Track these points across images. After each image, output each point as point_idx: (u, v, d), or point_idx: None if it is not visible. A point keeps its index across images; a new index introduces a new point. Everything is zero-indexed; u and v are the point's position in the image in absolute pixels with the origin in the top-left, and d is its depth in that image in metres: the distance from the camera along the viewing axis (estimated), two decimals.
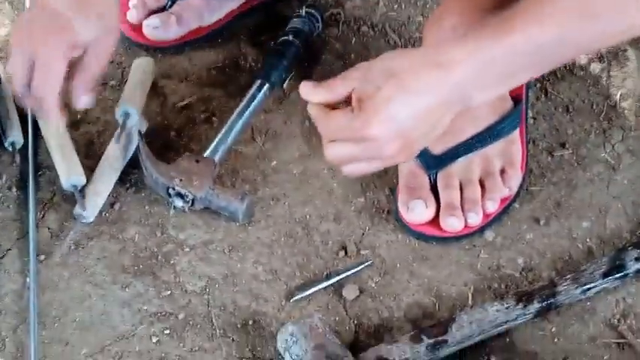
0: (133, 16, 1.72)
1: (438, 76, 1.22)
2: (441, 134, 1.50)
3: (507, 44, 1.21)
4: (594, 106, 1.65)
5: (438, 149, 1.51)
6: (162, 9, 1.73)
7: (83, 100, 1.42)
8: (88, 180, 1.52)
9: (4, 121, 1.58)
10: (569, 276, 1.42)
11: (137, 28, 1.72)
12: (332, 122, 1.26)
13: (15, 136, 1.57)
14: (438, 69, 1.22)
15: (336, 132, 1.26)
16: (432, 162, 1.51)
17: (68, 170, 1.52)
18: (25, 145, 1.57)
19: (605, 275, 1.42)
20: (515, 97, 1.57)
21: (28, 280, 1.45)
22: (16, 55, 1.39)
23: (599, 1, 1.20)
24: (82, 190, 1.51)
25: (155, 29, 1.71)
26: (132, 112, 1.56)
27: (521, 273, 1.47)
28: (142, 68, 1.65)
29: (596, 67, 1.70)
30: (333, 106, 1.27)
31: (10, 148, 1.57)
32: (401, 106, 1.22)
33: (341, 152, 1.28)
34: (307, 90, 1.29)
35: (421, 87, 1.22)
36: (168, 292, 1.45)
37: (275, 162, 1.59)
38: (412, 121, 1.23)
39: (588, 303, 1.43)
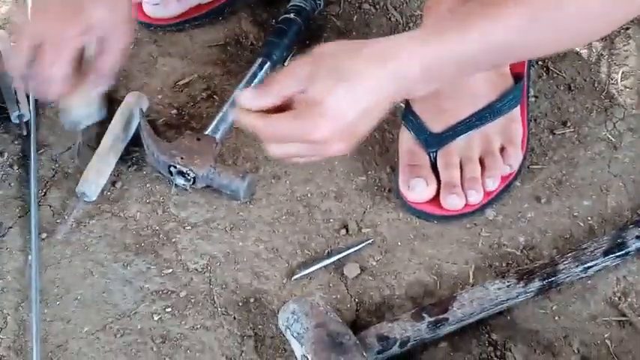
0: None
1: (387, 77, 1.20)
2: (441, 112, 1.51)
3: (460, 46, 1.19)
4: (596, 85, 1.65)
5: (438, 128, 1.51)
6: None
7: (98, 86, 1.42)
8: (90, 158, 1.53)
9: (10, 95, 1.58)
10: (570, 254, 1.42)
11: (138, 5, 1.72)
12: (279, 128, 1.22)
13: (23, 108, 1.57)
14: (386, 69, 1.19)
15: (283, 137, 1.23)
16: (432, 141, 1.51)
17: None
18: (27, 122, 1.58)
19: (606, 253, 1.42)
20: (516, 74, 1.57)
21: (29, 257, 1.45)
22: (26, 33, 1.38)
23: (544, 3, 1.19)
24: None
25: (155, 6, 1.71)
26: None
27: (522, 251, 1.47)
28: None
29: (598, 45, 1.70)
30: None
31: (17, 121, 1.57)
32: (350, 109, 1.20)
33: (287, 152, 1.26)
34: (250, 98, 1.24)
35: (370, 88, 1.20)
36: (170, 270, 1.46)
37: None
38: (360, 120, 1.22)
39: (589, 281, 1.43)
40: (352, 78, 1.19)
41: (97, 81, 1.42)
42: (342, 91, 1.18)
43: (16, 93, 1.58)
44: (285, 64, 1.67)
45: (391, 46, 1.20)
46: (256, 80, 1.61)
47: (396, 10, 1.75)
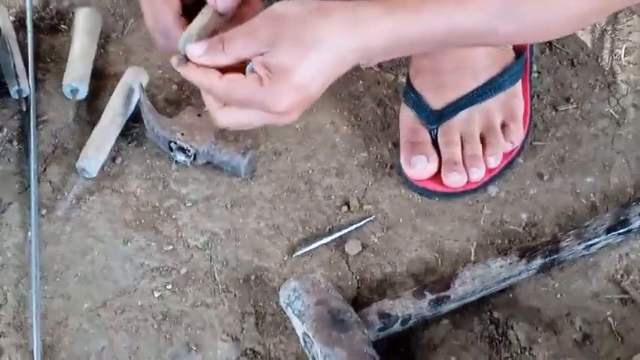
0: None
1: (352, 49, 1.14)
2: (442, 88, 1.50)
3: (427, 27, 1.14)
4: (599, 60, 1.64)
5: (438, 104, 1.50)
6: None
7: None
8: (90, 134, 1.52)
9: (9, 71, 1.57)
10: (572, 231, 1.42)
11: None
12: (237, 90, 1.14)
13: (22, 84, 1.56)
14: (353, 42, 1.13)
15: (239, 100, 1.15)
16: (433, 117, 1.50)
17: (74, 74, 1.53)
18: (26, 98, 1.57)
19: (609, 231, 1.42)
20: (518, 48, 1.56)
21: (29, 234, 1.45)
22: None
23: None
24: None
25: None
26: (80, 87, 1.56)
27: (524, 228, 1.47)
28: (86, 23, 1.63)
29: (601, 21, 1.68)
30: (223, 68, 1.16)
31: (17, 96, 1.56)
32: (315, 80, 1.14)
33: (239, 120, 1.18)
34: (202, 54, 1.14)
35: (335, 60, 1.14)
36: (170, 246, 1.45)
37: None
38: (320, 89, 1.16)
39: (591, 259, 1.43)
40: (321, 48, 1.12)
41: None
42: (310, 61, 1.12)
43: (15, 68, 1.57)
44: None
45: (359, 18, 1.13)
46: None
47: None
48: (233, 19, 1.21)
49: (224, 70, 1.15)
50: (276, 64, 1.12)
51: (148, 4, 1.24)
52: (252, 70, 1.14)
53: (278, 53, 1.12)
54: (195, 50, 1.15)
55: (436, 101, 1.51)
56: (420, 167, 1.48)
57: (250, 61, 1.16)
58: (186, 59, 1.17)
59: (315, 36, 1.12)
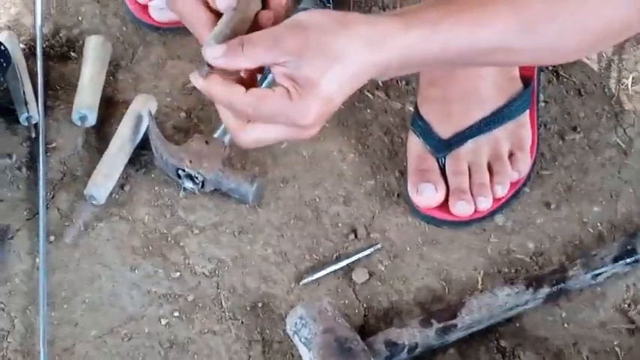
0: None
1: (372, 64, 1.13)
2: (450, 117, 1.51)
3: (443, 44, 1.14)
4: (606, 90, 1.65)
5: (446, 133, 1.51)
6: None
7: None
8: (98, 161, 1.52)
9: (19, 98, 1.58)
10: (579, 261, 1.42)
11: (146, 9, 1.72)
12: (266, 105, 1.11)
13: (32, 111, 1.57)
14: (373, 57, 1.12)
15: (266, 115, 1.12)
16: (441, 146, 1.50)
17: (83, 101, 1.55)
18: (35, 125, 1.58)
19: (616, 260, 1.42)
20: (526, 78, 1.56)
21: (37, 260, 1.45)
22: None
23: (538, 11, 1.14)
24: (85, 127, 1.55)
25: (161, 10, 1.70)
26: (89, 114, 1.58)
27: (531, 257, 1.47)
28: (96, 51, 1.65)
29: (608, 51, 1.69)
30: (237, 78, 1.14)
31: (26, 123, 1.57)
32: (338, 93, 1.12)
33: (264, 136, 1.15)
34: (218, 51, 1.11)
35: (356, 73, 1.12)
36: (178, 273, 1.45)
37: (285, 144, 1.58)
38: (340, 102, 1.15)
39: (598, 288, 1.43)
40: (343, 60, 1.11)
41: None
42: (334, 73, 1.11)
43: (24, 95, 1.58)
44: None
45: (378, 32, 1.13)
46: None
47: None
48: (255, 26, 1.19)
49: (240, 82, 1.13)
50: (303, 76, 1.10)
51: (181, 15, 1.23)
52: (273, 83, 1.13)
53: (304, 65, 1.10)
54: (214, 52, 1.11)
55: (444, 130, 1.51)
56: (427, 195, 1.49)
57: (263, 74, 1.15)
58: (210, 68, 1.13)
59: (339, 48, 1.11)
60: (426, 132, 1.52)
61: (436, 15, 1.14)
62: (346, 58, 1.11)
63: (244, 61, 1.11)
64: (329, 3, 1.71)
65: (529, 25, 1.14)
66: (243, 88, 1.12)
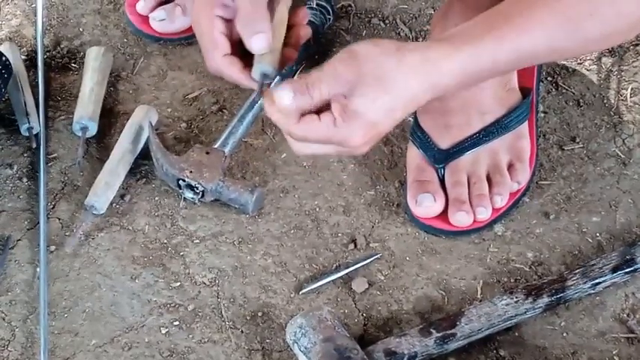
0: (142, 7, 1.72)
1: (424, 89, 1.19)
2: (449, 129, 1.51)
3: (493, 56, 1.20)
4: (605, 101, 1.65)
5: (445, 144, 1.51)
6: (168, 0, 1.73)
7: (254, 44, 1.26)
8: (99, 171, 1.53)
9: (20, 108, 1.59)
10: (578, 270, 1.42)
11: (147, 20, 1.72)
12: (316, 133, 1.20)
13: (33, 121, 1.58)
14: (425, 83, 1.19)
15: (315, 138, 1.21)
16: (440, 156, 1.51)
17: (84, 112, 1.56)
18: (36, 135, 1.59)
19: (615, 270, 1.42)
20: (524, 89, 1.57)
21: (38, 270, 1.46)
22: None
23: (580, 9, 1.19)
24: (86, 138, 1.56)
25: (161, 22, 1.71)
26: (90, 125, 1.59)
27: (530, 267, 1.47)
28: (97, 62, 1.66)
29: (607, 62, 1.70)
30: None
31: (27, 134, 1.57)
32: (387, 119, 1.20)
33: (314, 152, 1.25)
34: (287, 99, 1.19)
35: (407, 99, 1.19)
36: (178, 283, 1.46)
37: (285, 154, 1.59)
38: (390, 126, 1.22)
39: (597, 297, 1.43)
40: (394, 90, 1.18)
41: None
42: (384, 103, 1.18)
43: (25, 105, 1.59)
44: (295, 78, 1.67)
45: (430, 59, 1.19)
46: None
47: (405, 24, 1.75)
48: (287, 42, 1.29)
49: None
50: (352, 107, 1.18)
51: (201, 46, 1.31)
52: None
53: (355, 97, 1.17)
54: (283, 100, 1.19)
55: (443, 141, 1.52)
56: (426, 205, 1.49)
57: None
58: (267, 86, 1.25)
59: (390, 76, 1.18)
60: (425, 143, 1.52)
61: (480, 32, 1.20)
62: (396, 89, 1.18)
63: (310, 103, 1.19)
64: (329, 15, 1.72)
65: (573, 24, 1.19)
66: (296, 119, 1.19)
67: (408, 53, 1.19)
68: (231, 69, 1.28)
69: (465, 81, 1.21)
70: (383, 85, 1.18)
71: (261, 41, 1.25)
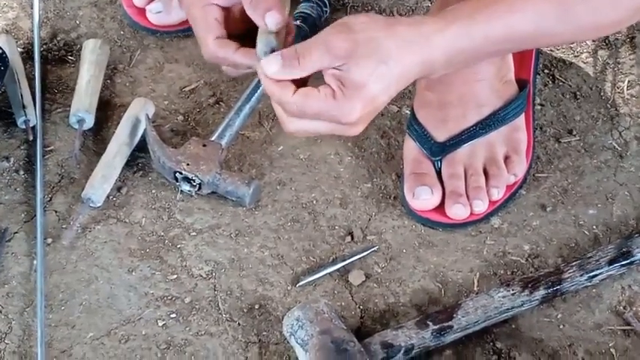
0: (138, 0, 1.72)
1: (417, 63, 1.19)
2: (446, 121, 1.51)
3: (485, 33, 1.20)
4: (602, 93, 1.65)
5: (442, 137, 1.51)
6: None
7: (269, 20, 1.24)
8: (96, 164, 1.53)
9: (16, 101, 1.59)
10: (575, 263, 1.42)
11: (143, 12, 1.72)
12: (312, 106, 1.18)
13: (29, 114, 1.57)
14: (417, 56, 1.19)
15: (312, 114, 1.19)
16: (437, 149, 1.51)
17: (81, 104, 1.56)
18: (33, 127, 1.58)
19: (611, 262, 1.42)
20: (521, 81, 1.57)
21: (35, 262, 1.46)
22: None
23: None
24: (83, 130, 1.56)
25: (157, 14, 1.71)
26: (86, 117, 1.58)
27: (527, 259, 1.47)
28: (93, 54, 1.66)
29: (604, 54, 1.70)
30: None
31: (24, 126, 1.57)
32: (383, 94, 1.19)
33: (307, 129, 1.23)
34: (278, 70, 1.17)
35: (402, 74, 1.19)
36: (175, 276, 1.46)
37: (282, 147, 1.59)
38: (385, 102, 1.21)
39: (594, 290, 1.43)
40: (390, 62, 1.17)
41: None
42: (380, 74, 1.17)
43: (22, 98, 1.59)
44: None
45: (422, 33, 1.19)
46: (262, 87, 1.60)
47: (402, 17, 1.75)
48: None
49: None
50: (351, 78, 1.17)
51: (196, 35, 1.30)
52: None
53: (352, 68, 1.16)
54: (272, 66, 1.18)
55: (440, 134, 1.52)
56: (423, 198, 1.49)
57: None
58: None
59: (385, 49, 1.17)
60: (422, 136, 1.52)
61: (472, 9, 1.20)
62: (392, 59, 1.17)
63: (299, 72, 1.18)
64: (326, 7, 1.72)
65: (565, 7, 1.20)
66: (292, 89, 1.18)
67: (400, 26, 1.18)
68: (225, 50, 1.27)
69: (455, 58, 1.21)
70: (379, 55, 1.17)
71: (275, 17, 1.23)
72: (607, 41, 1.71)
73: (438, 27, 1.19)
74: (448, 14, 1.21)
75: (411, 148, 1.54)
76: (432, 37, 1.19)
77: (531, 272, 1.45)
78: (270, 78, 1.20)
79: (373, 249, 1.48)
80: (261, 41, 1.24)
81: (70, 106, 1.60)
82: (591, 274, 1.41)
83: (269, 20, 1.23)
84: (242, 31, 1.30)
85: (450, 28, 1.19)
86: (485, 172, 1.51)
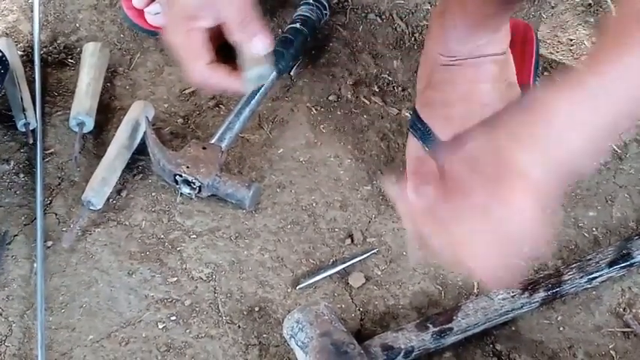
0: (138, 2, 1.72)
1: (556, 166, 1.04)
2: (449, 121, 1.51)
3: (611, 107, 1.02)
4: None
5: (445, 136, 1.51)
6: None
7: (257, 46, 1.26)
8: (96, 166, 1.53)
9: (16, 104, 1.59)
10: (575, 265, 1.42)
11: (143, 14, 1.72)
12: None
13: (29, 117, 1.58)
14: (554, 162, 1.04)
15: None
16: (440, 148, 1.51)
17: (81, 107, 1.56)
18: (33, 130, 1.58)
19: (611, 264, 1.42)
20: (523, 85, 1.57)
21: (35, 265, 1.46)
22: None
23: None
24: (83, 133, 1.56)
25: (156, 15, 1.71)
26: (86, 120, 1.59)
27: (527, 262, 1.47)
28: (93, 57, 1.66)
29: None
30: None
31: (24, 129, 1.57)
32: (535, 210, 1.06)
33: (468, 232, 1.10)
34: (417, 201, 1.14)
35: (542, 185, 1.05)
36: (175, 278, 1.46)
37: (282, 149, 1.59)
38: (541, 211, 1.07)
39: (594, 292, 1.43)
40: (526, 180, 1.04)
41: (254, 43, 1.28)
42: (518, 197, 1.04)
43: (22, 101, 1.59)
44: (292, 73, 1.67)
45: (551, 137, 1.03)
46: (262, 89, 1.61)
47: (401, 20, 1.75)
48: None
49: None
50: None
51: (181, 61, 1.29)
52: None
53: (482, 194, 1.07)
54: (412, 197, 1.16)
55: (443, 133, 1.52)
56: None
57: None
58: None
59: (516, 170, 1.04)
60: (425, 134, 1.52)
61: (591, 82, 1.05)
62: (527, 178, 1.04)
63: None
64: (325, 10, 1.72)
65: None
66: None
67: (524, 136, 1.04)
68: (218, 75, 1.27)
69: (595, 141, 1.03)
70: (509, 180, 1.05)
71: (264, 42, 1.25)
72: None
73: (564, 121, 1.02)
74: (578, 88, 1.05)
75: (413, 146, 1.54)
76: (564, 138, 1.03)
77: (531, 274, 1.45)
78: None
79: (373, 251, 1.48)
80: (250, 68, 1.26)
81: (70, 109, 1.60)
82: (591, 276, 1.41)
83: (258, 45, 1.25)
84: (215, 48, 1.30)
85: (578, 114, 1.02)
86: None
